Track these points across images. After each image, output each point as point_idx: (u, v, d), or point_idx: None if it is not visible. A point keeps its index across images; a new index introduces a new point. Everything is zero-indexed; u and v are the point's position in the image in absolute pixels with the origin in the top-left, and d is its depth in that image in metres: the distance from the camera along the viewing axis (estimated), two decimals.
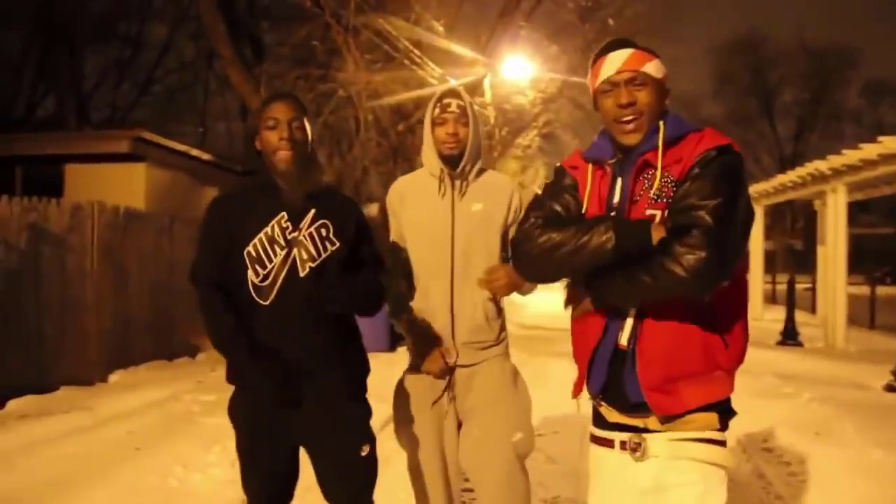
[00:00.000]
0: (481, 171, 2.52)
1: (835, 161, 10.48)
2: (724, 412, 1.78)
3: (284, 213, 2.19)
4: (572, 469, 4.42)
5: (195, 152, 11.45)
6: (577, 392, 1.92)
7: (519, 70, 12.88)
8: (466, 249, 2.42)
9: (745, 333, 1.81)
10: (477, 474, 2.43)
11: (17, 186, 9.96)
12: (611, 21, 12.94)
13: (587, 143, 1.96)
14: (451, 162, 2.46)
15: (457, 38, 12.59)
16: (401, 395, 2.57)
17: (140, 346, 7.82)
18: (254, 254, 2.17)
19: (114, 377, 7.24)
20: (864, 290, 14.24)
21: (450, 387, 2.48)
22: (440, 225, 2.46)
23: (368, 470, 2.34)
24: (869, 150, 9.60)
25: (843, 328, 10.45)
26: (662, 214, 1.70)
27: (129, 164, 9.77)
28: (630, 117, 1.79)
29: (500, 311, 2.55)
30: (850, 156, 10.12)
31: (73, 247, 6.89)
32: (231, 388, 2.33)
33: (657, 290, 1.63)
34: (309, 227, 2.21)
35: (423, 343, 2.47)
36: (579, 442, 4.98)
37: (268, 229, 2.18)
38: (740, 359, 1.79)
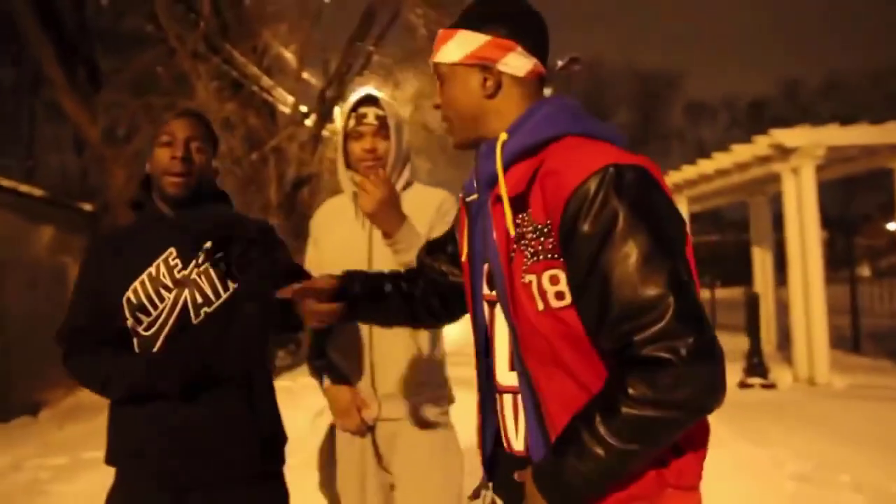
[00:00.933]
0: (407, 186, 2.16)
1: (675, 176, 11.27)
2: None
3: (173, 249, 1.82)
4: None
5: (24, 188, 10.46)
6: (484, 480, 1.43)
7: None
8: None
9: (705, 427, 1.23)
10: None
11: None
12: None
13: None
14: None
15: (308, 66, 12.39)
16: (322, 454, 2.28)
17: None
18: (134, 300, 1.79)
19: None
20: (705, 294, 15.38)
21: (373, 445, 2.13)
22: (357, 252, 2.11)
23: None
24: (705, 166, 10.43)
25: None
26: (538, 281, 1.19)
27: None
28: (445, 125, 1.37)
29: (436, 355, 2.17)
30: (688, 171, 10.92)
31: None
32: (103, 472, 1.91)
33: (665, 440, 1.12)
34: (204, 262, 1.82)
35: (337, 393, 2.10)
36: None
37: (151, 269, 1.81)
38: (701, 464, 1.23)
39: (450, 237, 1.57)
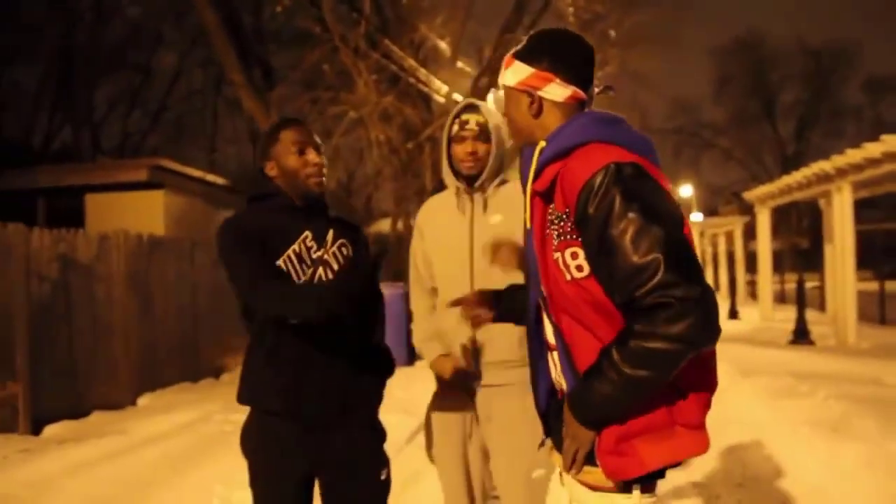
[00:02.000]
0: (503, 183, 2.44)
1: (838, 161, 10.60)
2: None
3: (308, 233, 2.14)
4: None
5: (210, 177, 11.69)
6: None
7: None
8: (486, 263, 2.30)
9: (707, 377, 1.53)
10: None
11: (41, 217, 10.20)
12: (612, 32, 13.13)
13: None
14: (470, 179, 2.40)
15: (462, 56, 12.82)
16: (429, 415, 2.57)
17: (167, 369, 7.99)
18: (284, 269, 2.08)
19: (142, 401, 7.42)
20: (874, 285, 14.30)
21: (473, 409, 2.42)
22: (459, 240, 2.40)
23: (384, 495, 2.26)
24: (872, 150, 9.70)
25: (854, 325, 10.51)
26: (563, 257, 1.50)
27: (148, 192, 10.00)
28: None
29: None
30: (853, 155, 10.23)
31: (101, 276, 7.09)
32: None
33: (663, 375, 1.40)
34: (331, 246, 2.17)
35: (443, 364, 2.42)
36: None
37: (295, 247, 2.11)
38: (705, 408, 1.52)
39: None
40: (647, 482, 1.52)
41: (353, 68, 10.71)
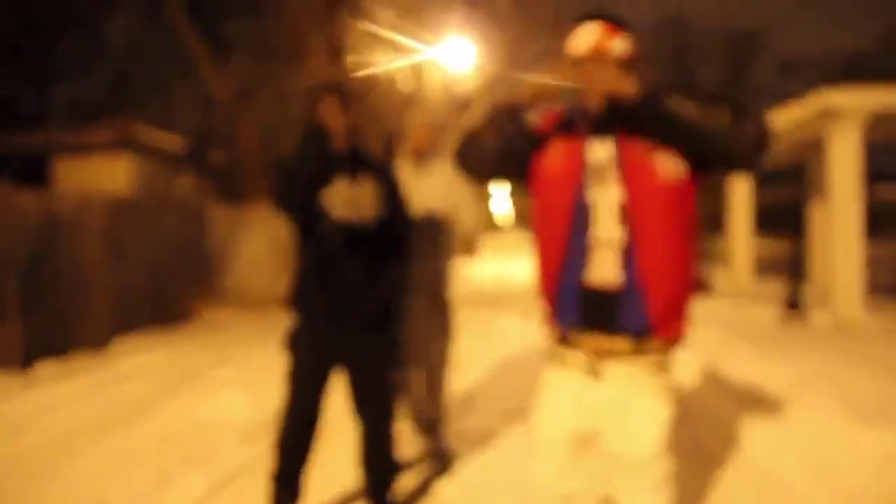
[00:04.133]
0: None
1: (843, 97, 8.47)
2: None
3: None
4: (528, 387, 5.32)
5: (170, 142, 12.08)
6: (548, 325, 1.96)
7: (463, 56, 13.34)
8: None
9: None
10: None
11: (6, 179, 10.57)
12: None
13: None
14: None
15: (406, 26, 13.21)
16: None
17: (140, 314, 8.68)
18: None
19: (120, 341, 7.94)
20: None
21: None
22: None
23: (390, 394, 2.80)
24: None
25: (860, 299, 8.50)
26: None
27: (115, 154, 10.35)
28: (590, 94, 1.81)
29: None
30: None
31: (81, 231, 7.67)
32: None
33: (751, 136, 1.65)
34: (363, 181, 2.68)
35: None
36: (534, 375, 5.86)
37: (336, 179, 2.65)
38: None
39: None
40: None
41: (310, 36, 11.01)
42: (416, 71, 12.62)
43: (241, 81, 11.31)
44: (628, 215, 1.74)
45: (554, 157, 1.85)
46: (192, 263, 9.71)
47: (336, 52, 11.83)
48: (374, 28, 12.31)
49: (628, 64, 1.81)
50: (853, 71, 21.14)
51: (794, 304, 8.80)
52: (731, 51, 34.05)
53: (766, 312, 9.20)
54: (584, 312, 1.80)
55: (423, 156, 3.24)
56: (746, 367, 5.81)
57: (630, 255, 1.74)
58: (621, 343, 1.78)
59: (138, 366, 6.70)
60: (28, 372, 6.43)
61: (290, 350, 2.74)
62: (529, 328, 7.27)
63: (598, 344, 1.80)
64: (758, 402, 4.84)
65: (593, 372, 1.80)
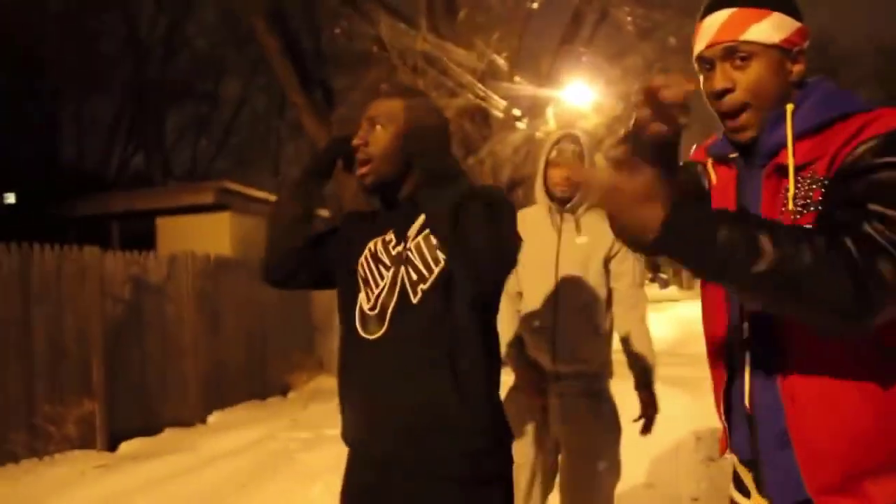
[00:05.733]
0: (591, 208, 2.65)
1: None
2: None
3: (392, 230, 1.73)
4: (671, 494, 4.41)
5: (273, 198, 11.92)
6: (722, 449, 1.45)
7: (581, 95, 12.93)
8: (569, 278, 2.57)
9: None
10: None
11: (114, 241, 10.59)
12: (672, 39, 12.88)
13: None
14: (561, 201, 2.62)
15: (519, 70, 12.78)
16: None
17: (235, 387, 8.14)
18: (361, 273, 1.73)
19: (212, 418, 7.56)
20: None
21: (545, 412, 2.61)
22: (548, 253, 2.61)
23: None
24: None
25: None
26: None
27: (215, 214, 10.27)
28: (729, 109, 1.29)
29: (605, 341, 2.65)
30: None
31: (171, 296, 7.27)
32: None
33: (806, 293, 1.07)
34: (416, 237, 1.67)
35: (525, 373, 2.63)
36: (675, 465, 4.96)
37: (371, 245, 1.75)
38: None
39: None
40: None
41: (413, 86, 10.77)
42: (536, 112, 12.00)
43: (346, 131, 10.87)
44: None
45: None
46: (294, 329, 9.17)
47: (443, 97, 11.33)
48: (487, 70, 11.91)
49: (792, 57, 1.30)
50: None
51: None
52: (888, 71, 31.51)
53: None
54: (751, 447, 1.33)
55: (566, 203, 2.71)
56: None
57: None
58: None
59: (226, 448, 6.25)
60: (111, 452, 6.25)
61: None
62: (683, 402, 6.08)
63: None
64: None
65: None
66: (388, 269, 1.68)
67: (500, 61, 12.61)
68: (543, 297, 2.58)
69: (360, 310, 1.70)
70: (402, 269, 1.65)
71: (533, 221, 2.67)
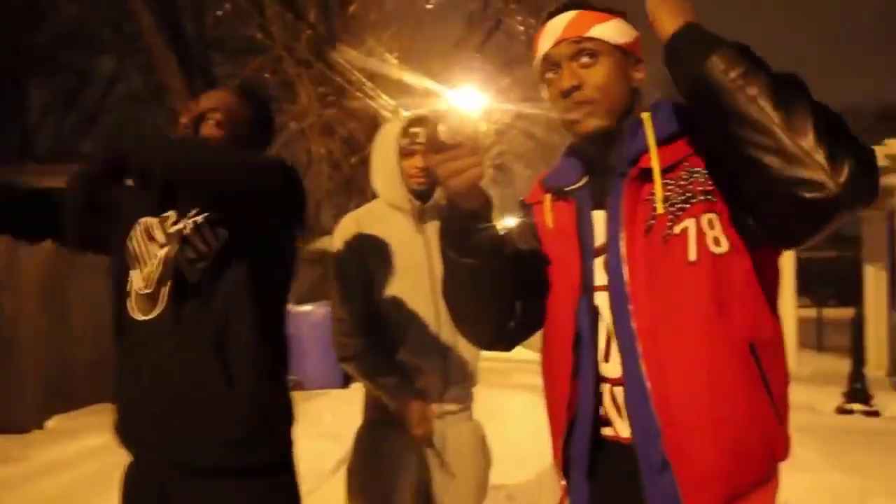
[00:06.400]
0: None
1: None
2: None
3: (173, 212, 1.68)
4: None
5: None
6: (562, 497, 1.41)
7: (471, 101, 12.95)
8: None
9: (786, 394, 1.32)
10: None
11: None
12: None
13: (536, 173, 1.49)
14: (421, 196, 2.22)
15: (410, 70, 12.65)
16: (364, 456, 2.25)
17: (81, 388, 7.53)
18: (132, 250, 1.68)
19: (51, 423, 6.96)
20: (812, 312, 14.51)
21: (429, 447, 2.20)
22: (414, 263, 2.18)
23: None
24: None
25: (794, 351, 10.59)
26: (698, 223, 1.21)
27: None
28: (579, 103, 1.30)
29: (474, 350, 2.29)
30: None
31: (11, 288, 6.65)
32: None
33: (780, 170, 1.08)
34: (195, 215, 1.64)
35: (412, 405, 2.13)
36: (537, 476, 4.94)
37: (142, 221, 1.69)
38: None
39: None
40: None
41: (297, 79, 10.46)
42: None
43: None
44: None
45: None
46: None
47: (331, 93, 11.05)
48: (377, 68, 11.72)
49: (633, 62, 1.35)
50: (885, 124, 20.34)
51: (855, 391, 7.61)
52: None
53: (817, 399, 7.98)
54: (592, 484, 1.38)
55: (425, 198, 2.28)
56: (798, 476, 4.77)
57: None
58: None
59: (65, 456, 5.87)
60: None
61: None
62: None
63: None
64: None
65: None
66: (161, 247, 1.64)
67: (391, 59, 12.45)
68: (422, 313, 2.16)
69: (133, 290, 1.66)
70: (177, 247, 1.62)
71: (388, 228, 2.22)
